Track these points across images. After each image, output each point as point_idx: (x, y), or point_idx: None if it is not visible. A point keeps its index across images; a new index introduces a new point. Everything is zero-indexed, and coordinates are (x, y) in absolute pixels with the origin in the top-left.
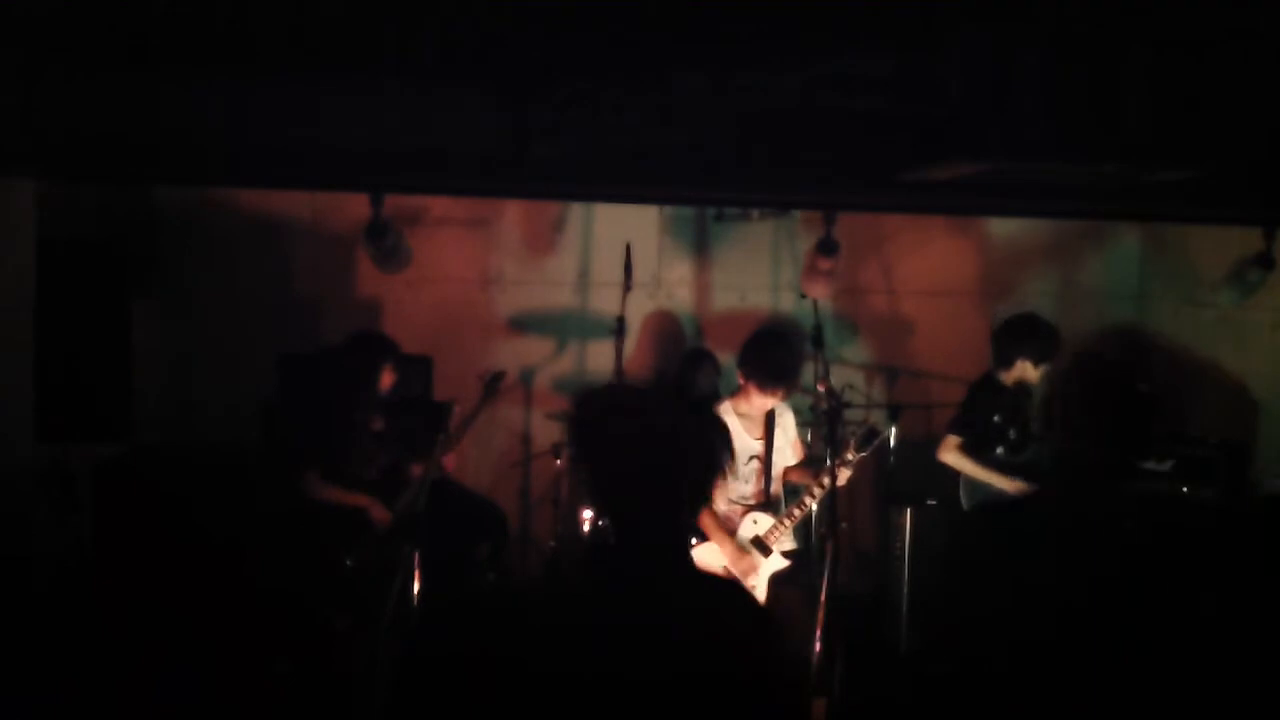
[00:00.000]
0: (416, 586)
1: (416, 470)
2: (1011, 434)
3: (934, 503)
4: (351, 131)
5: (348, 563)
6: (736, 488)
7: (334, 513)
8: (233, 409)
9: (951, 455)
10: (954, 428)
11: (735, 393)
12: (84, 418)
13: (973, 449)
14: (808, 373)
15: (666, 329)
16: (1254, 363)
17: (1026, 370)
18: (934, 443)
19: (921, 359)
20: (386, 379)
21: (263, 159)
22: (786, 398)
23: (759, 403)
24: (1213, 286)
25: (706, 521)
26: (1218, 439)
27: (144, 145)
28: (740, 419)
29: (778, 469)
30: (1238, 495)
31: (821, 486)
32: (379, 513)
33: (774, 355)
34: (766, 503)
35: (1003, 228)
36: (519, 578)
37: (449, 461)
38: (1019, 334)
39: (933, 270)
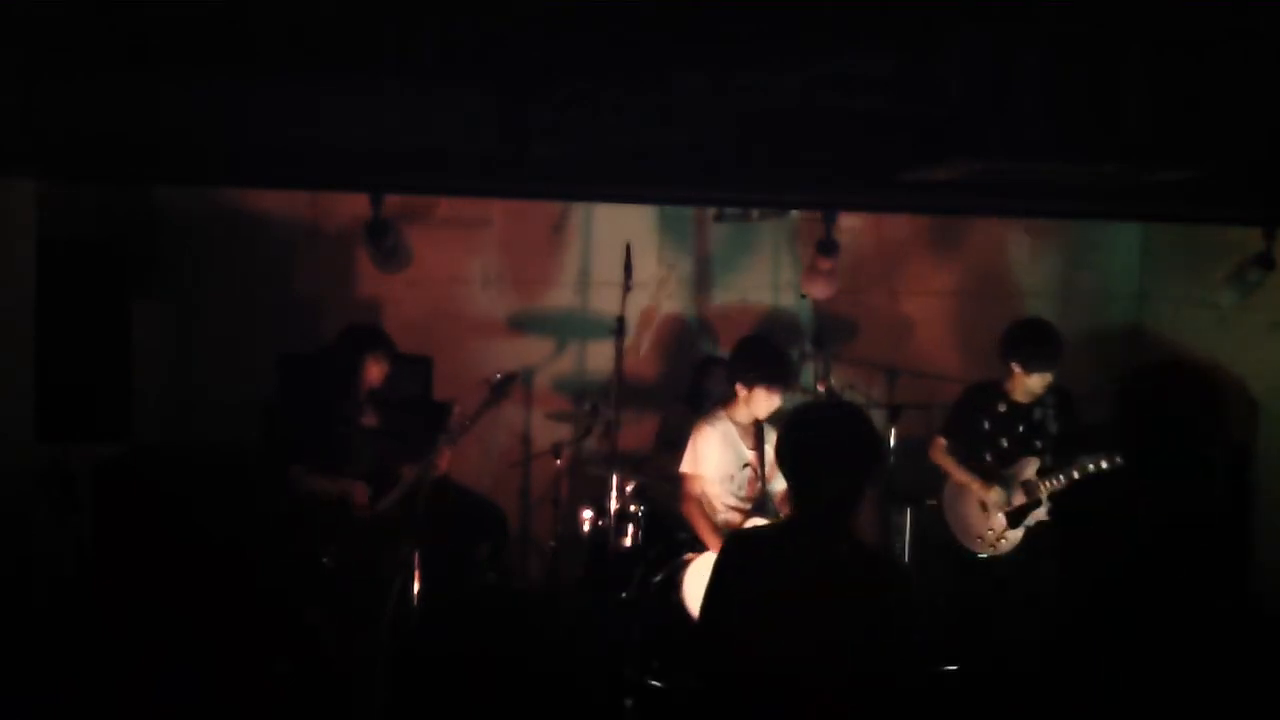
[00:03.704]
0: (416, 586)
1: (408, 471)
2: (1004, 443)
3: (934, 503)
4: (351, 131)
5: (324, 561)
6: (732, 492)
7: (315, 509)
8: (233, 409)
9: (938, 456)
10: (942, 429)
11: (730, 402)
12: (84, 418)
13: (962, 454)
14: (807, 373)
15: (675, 332)
16: (1254, 363)
17: (1021, 378)
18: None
19: (921, 359)
20: (375, 372)
21: (263, 159)
22: (786, 394)
23: (755, 408)
24: (1213, 286)
25: (703, 529)
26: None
27: (144, 145)
28: (735, 427)
29: (772, 485)
30: (1238, 495)
31: None
32: (359, 496)
33: (769, 355)
34: (762, 506)
35: (1003, 227)
36: (519, 578)
37: (443, 460)
38: (1012, 338)
39: (933, 270)
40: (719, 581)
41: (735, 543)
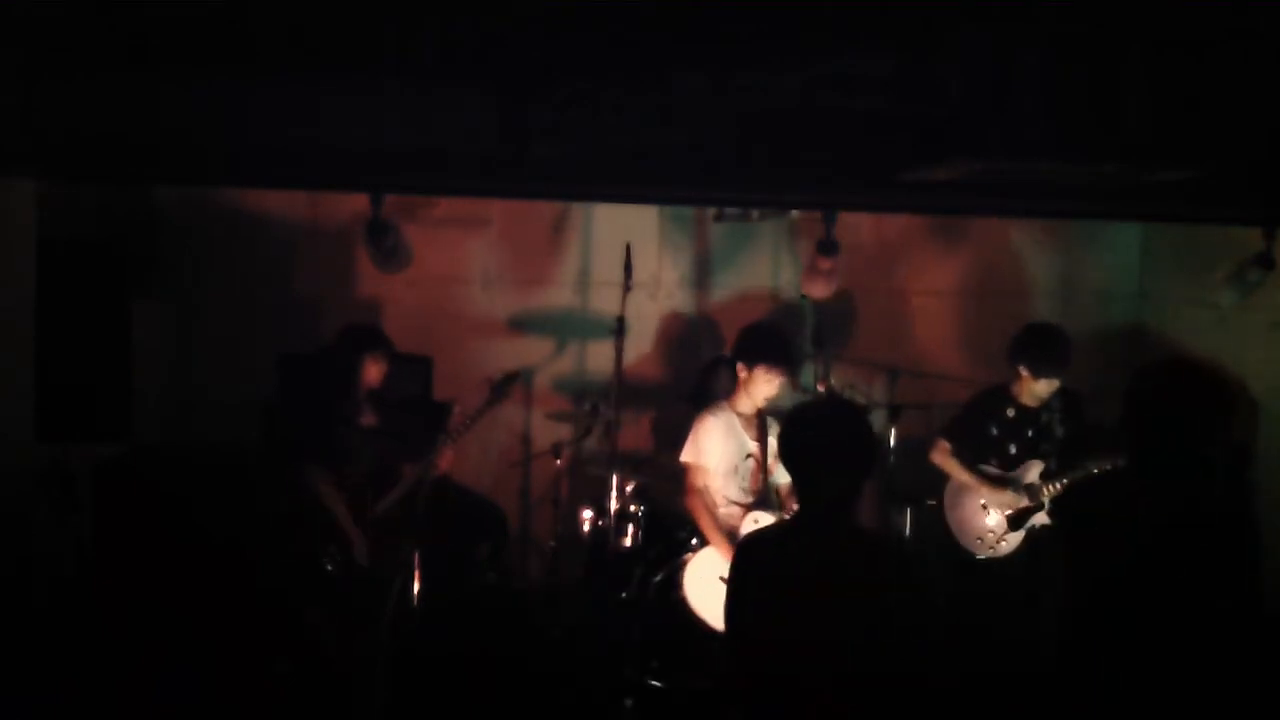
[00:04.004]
0: (416, 586)
1: (409, 470)
2: (1011, 449)
3: (934, 503)
4: (351, 131)
5: (324, 561)
6: (734, 485)
7: (316, 510)
8: (233, 409)
9: (940, 458)
10: (945, 432)
11: (733, 393)
12: (84, 418)
13: (966, 458)
14: (808, 373)
15: (671, 333)
16: (1254, 363)
17: (1029, 383)
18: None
19: (921, 359)
20: (374, 372)
21: (263, 159)
22: (791, 379)
23: (756, 392)
24: (1213, 286)
25: (704, 523)
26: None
27: (144, 145)
28: (738, 418)
29: (775, 477)
30: (1237, 495)
31: None
32: (359, 551)
33: (773, 338)
34: (765, 500)
35: (1003, 227)
36: (519, 578)
37: (445, 460)
38: (1021, 343)
39: (933, 269)
40: (737, 588)
41: (746, 548)
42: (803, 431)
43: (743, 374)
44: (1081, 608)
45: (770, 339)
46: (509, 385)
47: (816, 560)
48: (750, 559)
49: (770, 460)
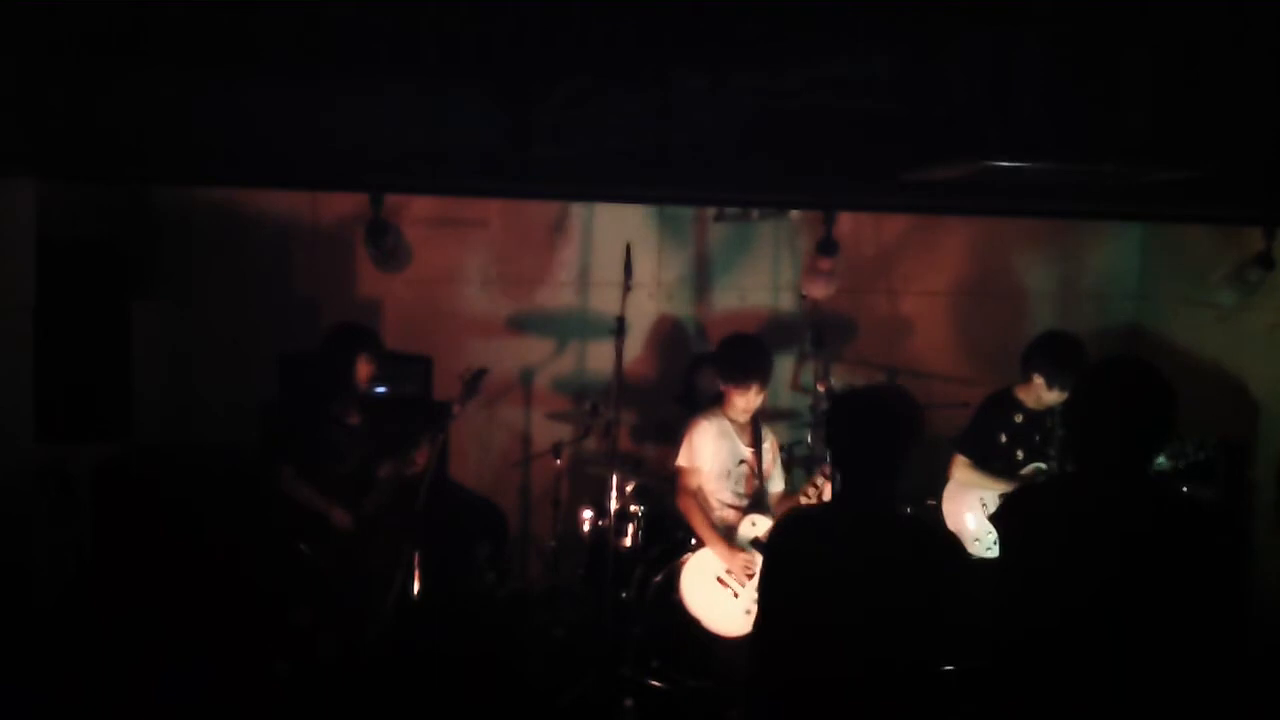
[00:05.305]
0: (416, 586)
1: (388, 469)
2: (1019, 455)
3: (934, 502)
4: (351, 131)
5: (303, 549)
6: (728, 489)
7: (304, 508)
8: (233, 409)
9: (961, 473)
10: (960, 446)
11: (723, 400)
12: (84, 418)
13: (981, 468)
14: (808, 373)
15: (669, 333)
16: (1254, 363)
17: (1039, 389)
18: (933, 441)
19: (921, 359)
20: (364, 371)
21: (263, 159)
22: (762, 390)
23: (741, 406)
24: (1213, 286)
25: (699, 524)
26: (1217, 439)
27: (144, 145)
28: (731, 424)
29: (769, 484)
30: (1237, 495)
31: (815, 486)
32: (339, 517)
33: (738, 354)
34: (760, 503)
35: (1003, 227)
36: (519, 578)
37: (422, 456)
38: (1042, 351)
39: (933, 270)
40: (777, 564)
41: (784, 529)
42: (848, 418)
43: (721, 388)
44: (1077, 609)
45: (736, 356)
46: (479, 381)
47: (865, 541)
48: (790, 540)
49: (765, 466)
